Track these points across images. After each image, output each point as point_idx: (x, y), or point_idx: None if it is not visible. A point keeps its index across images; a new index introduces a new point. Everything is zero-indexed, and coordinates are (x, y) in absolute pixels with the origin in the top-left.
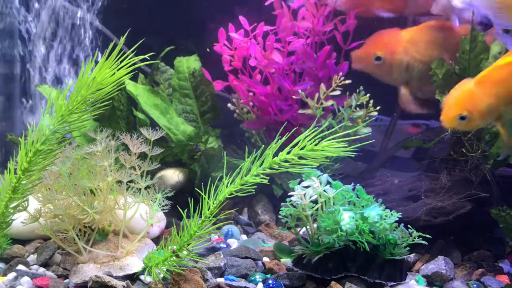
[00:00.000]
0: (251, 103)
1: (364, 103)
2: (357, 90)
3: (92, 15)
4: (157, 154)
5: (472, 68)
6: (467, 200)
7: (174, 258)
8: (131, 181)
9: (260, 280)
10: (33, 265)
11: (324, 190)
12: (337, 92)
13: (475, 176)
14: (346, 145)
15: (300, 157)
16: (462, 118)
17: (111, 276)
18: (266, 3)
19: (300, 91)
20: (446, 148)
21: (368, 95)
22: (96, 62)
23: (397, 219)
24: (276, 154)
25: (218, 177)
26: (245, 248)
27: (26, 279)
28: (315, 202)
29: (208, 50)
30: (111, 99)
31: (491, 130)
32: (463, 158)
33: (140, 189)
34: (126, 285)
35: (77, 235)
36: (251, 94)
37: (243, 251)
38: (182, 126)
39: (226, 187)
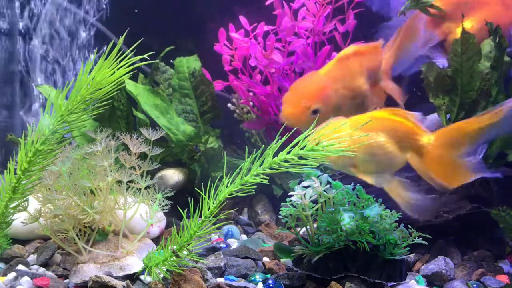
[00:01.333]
0: (251, 103)
1: None
2: None
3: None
4: (157, 154)
5: (465, 70)
6: (467, 200)
7: (174, 258)
8: (131, 181)
9: (260, 280)
10: (33, 265)
11: (324, 190)
12: None
13: None
14: (346, 145)
15: (300, 157)
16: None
17: (111, 276)
18: (267, 3)
19: None
20: None
21: None
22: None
23: (397, 219)
24: (276, 154)
25: (218, 177)
26: (245, 248)
27: (26, 279)
28: (315, 202)
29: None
30: (110, 99)
31: None
32: None
33: (140, 189)
34: (126, 285)
35: (77, 235)
36: (251, 94)
37: (243, 251)
38: (182, 126)
39: (226, 187)
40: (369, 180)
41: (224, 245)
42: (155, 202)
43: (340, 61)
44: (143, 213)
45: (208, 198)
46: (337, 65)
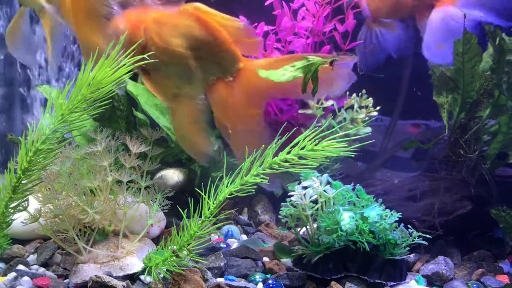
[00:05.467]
0: None
1: (370, 105)
2: (360, 93)
3: None
4: (157, 154)
5: (467, 70)
6: (467, 200)
7: (174, 258)
8: (131, 181)
9: (260, 280)
10: (33, 265)
11: (324, 190)
12: None
13: (473, 176)
14: (346, 145)
15: (300, 157)
16: None
17: (111, 276)
18: (266, 3)
19: None
20: (446, 148)
21: (370, 98)
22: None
23: (397, 219)
24: (276, 154)
25: (218, 177)
26: (245, 248)
27: (26, 279)
28: (315, 202)
29: None
30: (110, 99)
31: (489, 130)
32: (461, 159)
33: (140, 189)
34: (126, 285)
35: (77, 235)
36: None
37: (243, 251)
38: None
39: (226, 187)
40: (161, 98)
41: (224, 245)
42: (155, 202)
43: None
44: (143, 213)
45: (208, 198)
46: None
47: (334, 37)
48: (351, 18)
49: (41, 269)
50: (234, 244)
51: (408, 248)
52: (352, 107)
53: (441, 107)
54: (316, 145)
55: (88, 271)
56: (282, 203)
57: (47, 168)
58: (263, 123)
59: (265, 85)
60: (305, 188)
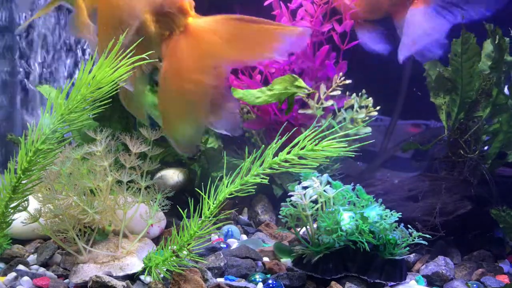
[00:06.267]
0: None
1: (369, 105)
2: (360, 93)
3: None
4: (157, 154)
5: (465, 70)
6: (467, 200)
7: (174, 258)
8: (131, 181)
9: (260, 280)
10: (33, 265)
11: (324, 190)
12: (337, 92)
13: (473, 176)
14: (346, 145)
15: (300, 157)
16: None
17: (111, 276)
18: (265, 3)
19: None
20: (445, 148)
21: (370, 98)
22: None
23: (397, 219)
24: (276, 154)
25: (218, 177)
26: (245, 248)
27: (26, 279)
28: (315, 202)
29: None
30: (110, 99)
31: (489, 130)
32: (461, 159)
33: (140, 189)
34: (126, 285)
35: (77, 235)
36: None
37: (243, 251)
38: None
39: (226, 187)
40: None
41: (224, 245)
42: (155, 202)
43: None
44: (143, 213)
45: (208, 198)
46: None
47: (332, 37)
48: (349, 18)
49: (41, 269)
50: (234, 244)
51: (408, 248)
52: (352, 107)
53: (439, 108)
54: (316, 145)
55: (88, 271)
56: (282, 203)
57: (47, 168)
58: (206, 102)
59: (214, 44)
60: (305, 188)
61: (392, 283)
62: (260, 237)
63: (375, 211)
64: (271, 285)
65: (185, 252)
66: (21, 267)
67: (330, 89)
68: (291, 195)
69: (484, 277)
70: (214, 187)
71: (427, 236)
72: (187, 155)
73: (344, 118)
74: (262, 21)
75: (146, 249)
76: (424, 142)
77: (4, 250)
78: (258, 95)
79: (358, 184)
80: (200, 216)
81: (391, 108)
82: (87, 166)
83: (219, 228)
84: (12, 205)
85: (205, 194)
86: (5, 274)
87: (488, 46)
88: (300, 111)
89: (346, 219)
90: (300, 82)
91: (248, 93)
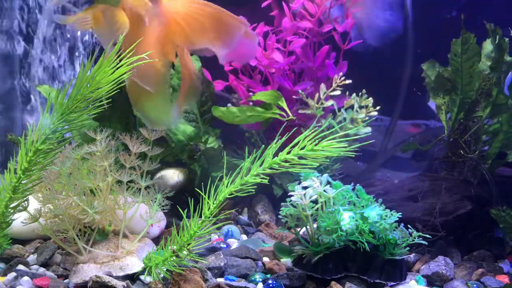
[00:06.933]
0: (251, 103)
1: (370, 105)
2: (360, 93)
3: None
4: (157, 154)
5: (465, 70)
6: (467, 200)
7: (174, 258)
8: (131, 181)
9: (260, 280)
10: (33, 265)
11: (324, 190)
12: (337, 92)
13: (473, 177)
14: (346, 145)
15: (300, 157)
16: None
17: (111, 276)
18: (264, 4)
19: (300, 91)
20: (445, 148)
21: (371, 98)
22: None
23: (397, 219)
24: (276, 154)
25: (218, 177)
26: (245, 248)
27: (26, 279)
28: (315, 202)
29: None
30: (110, 98)
31: (489, 130)
32: (461, 159)
33: (140, 189)
34: (126, 285)
35: (77, 235)
36: (251, 94)
37: (243, 251)
38: (182, 126)
39: (226, 187)
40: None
41: (224, 245)
42: (155, 202)
43: None
44: (143, 213)
45: (208, 198)
46: None
47: (333, 37)
48: (350, 18)
49: (41, 269)
50: (234, 244)
51: (408, 248)
52: (352, 107)
53: (438, 109)
54: (316, 145)
55: (88, 271)
56: (282, 203)
57: (47, 168)
58: (167, 86)
59: (175, 24)
60: (305, 188)
61: (392, 283)
62: (260, 237)
63: (375, 211)
64: (271, 285)
65: (185, 252)
66: (21, 267)
67: (330, 89)
68: (291, 195)
69: (484, 277)
70: (214, 187)
71: (427, 236)
72: (187, 155)
73: (344, 118)
74: (223, 11)
75: (146, 249)
76: (424, 142)
77: (4, 250)
78: (237, 114)
79: (358, 184)
80: (200, 216)
81: (391, 108)
82: (87, 166)
83: (219, 228)
84: (12, 205)
85: (205, 194)
86: (5, 274)
87: (488, 46)
88: (300, 111)
89: (346, 219)
90: (282, 102)
91: (228, 111)
